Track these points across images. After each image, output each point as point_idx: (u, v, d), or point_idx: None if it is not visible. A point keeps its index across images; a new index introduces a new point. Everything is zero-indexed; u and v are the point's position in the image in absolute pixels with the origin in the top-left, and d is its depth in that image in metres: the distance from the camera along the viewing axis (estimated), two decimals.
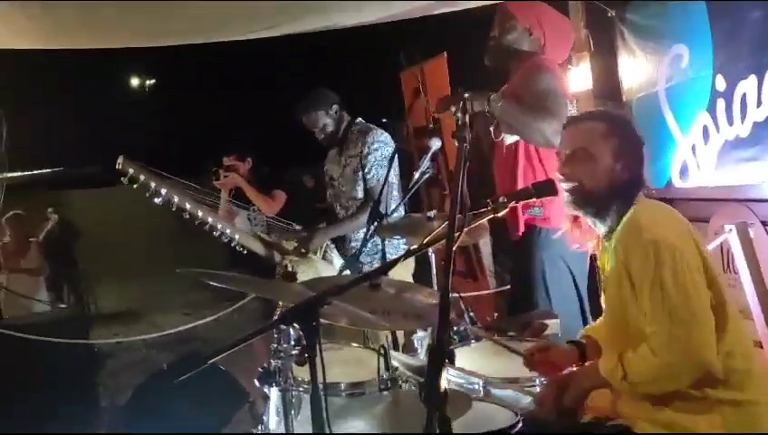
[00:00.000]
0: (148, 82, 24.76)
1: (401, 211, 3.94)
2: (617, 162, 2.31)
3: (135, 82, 24.60)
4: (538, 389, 2.53)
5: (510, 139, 3.63)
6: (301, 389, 2.42)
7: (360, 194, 4.19)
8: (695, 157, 4.29)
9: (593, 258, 2.75)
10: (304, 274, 3.88)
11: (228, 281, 2.16)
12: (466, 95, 2.08)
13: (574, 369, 2.44)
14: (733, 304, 2.22)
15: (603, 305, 2.57)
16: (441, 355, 1.53)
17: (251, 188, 4.73)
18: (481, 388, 2.57)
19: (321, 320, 1.89)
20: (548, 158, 3.50)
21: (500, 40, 3.72)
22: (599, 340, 2.54)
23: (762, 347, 3.81)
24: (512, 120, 3.45)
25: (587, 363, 2.39)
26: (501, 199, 2.32)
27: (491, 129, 3.58)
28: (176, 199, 3.76)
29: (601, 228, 2.37)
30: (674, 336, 2.03)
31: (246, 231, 4.40)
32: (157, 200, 3.70)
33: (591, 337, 2.56)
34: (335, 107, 4.30)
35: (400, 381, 2.57)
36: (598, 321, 2.62)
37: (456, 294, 3.06)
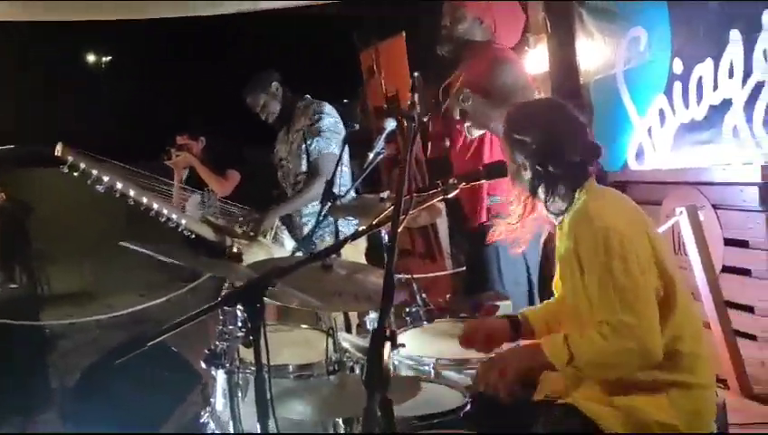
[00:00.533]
0: (104, 60, 24.25)
1: (353, 192, 3.92)
2: (521, 157, 2.29)
3: (91, 59, 24.07)
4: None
5: (477, 132, 3.62)
6: (248, 371, 2.39)
7: (305, 168, 4.13)
8: (651, 139, 4.33)
9: (546, 244, 2.75)
10: (256, 256, 3.85)
11: (174, 255, 2.10)
12: (416, 74, 2.05)
13: (514, 345, 2.44)
14: (684, 287, 2.23)
15: (555, 290, 2.58)
16: (382, 338, 1.50)
17: (203, 168, 4.66)
18: (431, 369, 2.58)
19: (274, 302, 1.85)
20: None
21: (451, 30, 3.70)
22: (535, 324, 2.53)
23: (709, 328, 3.88)
24: (482, 117, 3.44)
25: (529, 342, 2.37)
26: (451, 181, 2.31)
27: (466, 126, 3.56)
28: (119, 186, 3.70)
29: (551, 215, 2.36)
30: (623, 323, 2.03)
31: (197, 216, 4.36)
32: (99, 188, 3.65)
33: (527, 317, 2.55)
34: (274, 84, 4.24)
35: (351, 363, 2.57)
36: (538, 305, 2.62)
37: (408, 276, 3.05)
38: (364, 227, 2.17)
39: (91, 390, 3.77)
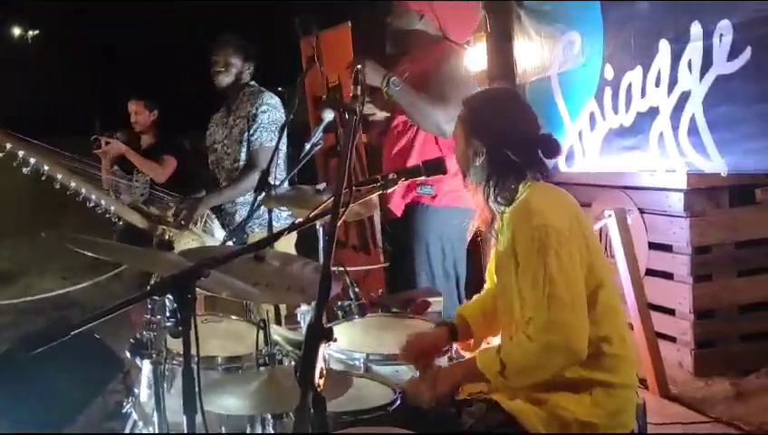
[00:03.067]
0: (31, 34, 23.40)
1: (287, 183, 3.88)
2: (479, 142, 2.32)
3: (17, 33, 23.21)
4: None
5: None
6: (175, 362, 2.34)
7: (244, 157, 4.06)
8: (581, 143, 4.40)
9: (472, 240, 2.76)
10: (186, 245, 3.77)
11: (97, 248, 2.04)
12: (359, 66, 2.03)
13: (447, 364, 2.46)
14: (613, 289, 2.27)
15: (488, 282, 2.60)
16: (318, 333, 1.48)
17: (136, 155, 4.55)
18: (362, 364, 2.57)
19: (203, 292, 1.81)
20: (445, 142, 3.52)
21: (393, 25, 3.68)
22: (471, 319, 2.56)
23: (633, 329, 3.99)
24: (406, 104, 3.41)
25: (467, 357, 2.39)
26: (391, 176, 2.30)
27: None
28: (46, 168, 3.64)
29: (496, 206, 2.36)
30: (550, 321, 2.05)
31: (126, 202, 4.27)
32: (25, 170, 3.59)
33: (463, 316, 2.58)
34: (248, 65, 4.16)
35: (281, 356, 2.53)
36: (473, 299, 2.64)
37: (342, 269, 3.03)
38: (301, 220, 2.14)
39: (4, 377, 3.62)
